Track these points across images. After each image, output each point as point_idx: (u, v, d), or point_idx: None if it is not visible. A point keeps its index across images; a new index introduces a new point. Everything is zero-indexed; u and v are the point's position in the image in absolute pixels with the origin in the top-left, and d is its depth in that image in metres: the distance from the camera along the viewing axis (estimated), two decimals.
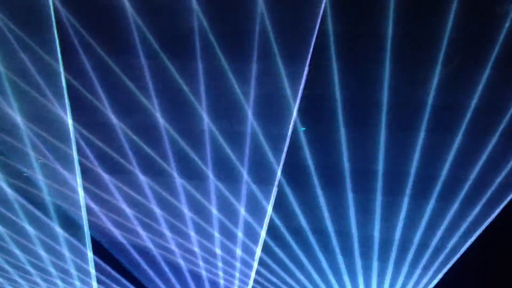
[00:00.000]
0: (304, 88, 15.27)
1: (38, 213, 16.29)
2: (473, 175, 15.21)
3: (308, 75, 15.04)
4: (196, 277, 17.82)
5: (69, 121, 15.81)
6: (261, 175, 15.93)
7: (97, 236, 17.02)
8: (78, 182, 16.18)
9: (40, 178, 15.99)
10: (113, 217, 16.69)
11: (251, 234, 17.21)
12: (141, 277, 17.87)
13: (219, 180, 15.54)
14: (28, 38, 14.96)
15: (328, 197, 17.21)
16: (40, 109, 15.53)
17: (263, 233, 17.09)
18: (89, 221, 16.88)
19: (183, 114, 15.51)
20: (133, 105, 16.03)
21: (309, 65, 14.67)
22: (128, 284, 18.12)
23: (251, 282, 17.16)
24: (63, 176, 16.16)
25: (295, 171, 15.85)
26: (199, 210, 16.97)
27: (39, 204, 16.39)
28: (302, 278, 17.17)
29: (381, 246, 16.58)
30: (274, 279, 17.25)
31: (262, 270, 17.44)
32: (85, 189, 16.31)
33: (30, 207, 16.42)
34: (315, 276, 17.36)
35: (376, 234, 16.45)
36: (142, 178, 16.49)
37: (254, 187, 15.97)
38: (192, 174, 16.45)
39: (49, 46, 14.56)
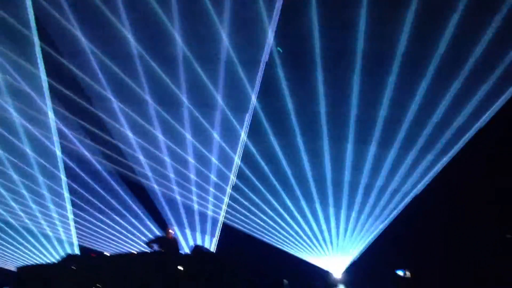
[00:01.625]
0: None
1: (11, 138, 16.01)
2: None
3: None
4: (171, 201, 18.12)
5: (36, 40, 15.12)
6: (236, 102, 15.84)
7: (69, 160, 16.96)
8: (48, 105, 15.83)
9: (10, 101, 15.55)
10: (85, 141, 16.55)
11: (226, 160, 17.39)
12: (116, 200, 18.06)
13: None
14: None
15: (300, 123, 17.34)
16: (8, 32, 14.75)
17: (237, 159, 17.29)
18: (62, 145, 16.71)
19: (159, 40, 15.01)
20: (109, 33, 15.38)
21: None
22: (103, 207, 18.32)
23: (224, 207, 17.58)
24: (33, 99, 15.76)
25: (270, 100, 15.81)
26: (174, 136, 16.96)
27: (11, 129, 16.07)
28: (274, 202, 17.65)
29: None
30: (246, 203, 17.70)
31: (236, 195, 17.83)
32: (56, 113, 16.00)
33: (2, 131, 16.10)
34: (287, 201, 17.87)
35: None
36: (117, 104, 16.23)
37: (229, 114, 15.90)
38: (167, 100, 16.27)
39: None
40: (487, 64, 14.28)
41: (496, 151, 14.82)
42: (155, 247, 13.63)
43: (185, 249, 16.67)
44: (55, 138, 15.86)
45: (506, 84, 14.37)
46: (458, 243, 14.53)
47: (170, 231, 13.33)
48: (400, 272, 14.44)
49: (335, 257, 17.50)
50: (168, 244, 13.35)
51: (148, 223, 17.63)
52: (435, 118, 15.34)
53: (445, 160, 15.77)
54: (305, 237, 17.70)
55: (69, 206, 17.14)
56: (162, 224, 16.25)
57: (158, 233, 15.34)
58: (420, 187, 16.26)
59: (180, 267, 13.17)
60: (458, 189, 15.27)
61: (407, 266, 14.37)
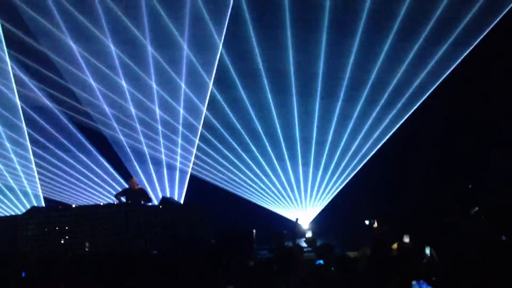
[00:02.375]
0: None
1: None
2: None
3: None
4: (138, 153, 17.85)
5: None
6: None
7: (30, 109, 16.39)
8: (3, 50, 15.10)
9: None
10: (46, 89, 15.96)
11: (194, 110, 17.15)
12: (82, 152, 17.71)
13: None
14: None
15: (270, 76, 17.23)
16: None
17: (205, 110, 17.06)
18: (20, 93, 16.08)
19: None
20: None
21: None
22: (68, 159, 17.95)
23: (192, 158, 17.46)
24: None
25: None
26: (140, 85, 16.53)
27: None
28: (244, 154, 17.65)
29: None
30: (215, 155, 17.66)
31: (204, 147, 17.73)
32: (13, 59, 15.30)
33: None
34: (257, 155, 17.91)
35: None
36: (79, 50, 15.58)
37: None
38: (132, 46, 15.72)
39: None
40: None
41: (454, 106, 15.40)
42: (123, 199, 13.49)
43: (154, 200, 16.62)
44: (14, 86, 15.23)
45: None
46: (420, 191, 15.09)
47: (133, 181, 13.19)
48: (367, 222, 14.75)
49: (302, 210, 17.81)
50: (135, 194, 13.22)
51: (116, 175, 17.42)
52: (398, 76, 15.83)
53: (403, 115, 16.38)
54: (274, 190, 17.89)
55: (32, 157, 16.70)
56: (125, 176, 16.03)
57: (125, 185, 15.14)
58: (380, 145, 16.85)
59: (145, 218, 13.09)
60: (417, 140, 15.89)
61: (373, 215, 14.71)
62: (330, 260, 7.91)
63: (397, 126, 16.52)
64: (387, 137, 16.69)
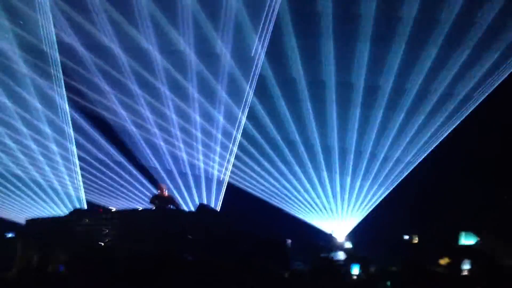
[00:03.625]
0: None
1: (20, 91, 16.04)
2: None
3: None
4: (176, 159, 18.13)
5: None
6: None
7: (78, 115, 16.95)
8: (56, 57, 15.72)
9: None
10: (93, 96, 16.49)
11: (232, 119, 17.28)
12: (124, 157, 18.13)
13: None
14: None
15: (308, 87, 17.18)
16: None
17: (243, 119, 17.14)
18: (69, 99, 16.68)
19: None
20: None
21: None
22: (112, 164, 18.41)
23: (229, 166, 17.55)
24: (42, 50, 15.66)
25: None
26: (180, 94, 16.81)
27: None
28: (282, 165, 17.62)
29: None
30: (252, 164, 17.73)
31: (241, 155, 17.82)
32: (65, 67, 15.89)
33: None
34: (295, 166, 17.84)
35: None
36: (123, 59, 16.06)
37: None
38: (174, 55, 16.04)
39: None
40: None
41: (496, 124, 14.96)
42: (156, 204, 13.81)
43: (191, 207, 16.85)
44: (63, 92, 15.90)
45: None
46: (460, 209, 14.64)
47: (162, 187, 13.46)
48: (406, 237, 14.50)
49: (339, 221, 17.56)
50: (164, 201, 13.48)
51: (152, 181, 17.76)
52: (440, 88, 15.52)
53: (446, 129, 15.98)
54: (310, 201, 17.76)
55: (77, 162, 17.30)
56: (155, 182, 16.38)
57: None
58: (423, 155, 16.41)
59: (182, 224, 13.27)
60: (459, 157, 15.49)
61: (412, 231, 14.42)
62: (371, 273, 7.89)
63: (442, 137, 16.03)
64: (430, 149, 16.23)
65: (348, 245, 16.36)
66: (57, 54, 15.27)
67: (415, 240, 14.81)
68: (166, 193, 13.66)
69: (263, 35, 14.53)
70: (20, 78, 15.78)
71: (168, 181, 16.28)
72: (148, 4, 14.10)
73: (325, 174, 17.33)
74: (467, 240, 13.28)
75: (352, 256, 14.48)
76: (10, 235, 15.54)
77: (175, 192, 16.08)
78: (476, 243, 12.98)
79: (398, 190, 16.87)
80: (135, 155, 17.58)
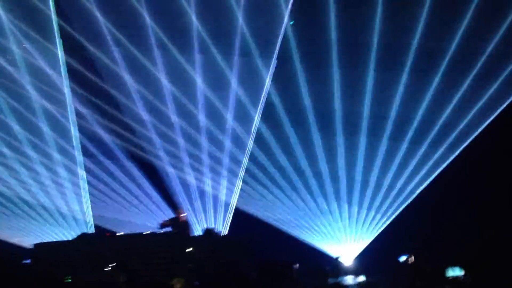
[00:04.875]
0: None
1: (29, 116, 16.29)
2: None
3: None
4: (185, 184, 18.22)
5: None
6: None
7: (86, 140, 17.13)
8: (64, 82, 16.04)
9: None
10: (101, 121, 16.68)
11: (239, 144, 17.41)
12: (131, 181, 18.24)
13: None
14: None
15: (315, 115, 17.37)
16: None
17: (250, 144, 17.26)
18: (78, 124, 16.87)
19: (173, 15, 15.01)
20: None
21: None
22: (119, 188, 18.50)
23: (237, 190, 17.59)
24: (49, 75, 15.95)
25: None
26: (189, 119, 16.98)
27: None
28: (289, 192, 17.68)
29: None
30: (259, 187, 17.77)
31: (249, 179, 17.88)
32: (73, 91, 16.19)
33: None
34: (302, 192, 17.87)
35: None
36: (132, 85, 16.29)
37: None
38: (182, 83, 16.26)
39: None
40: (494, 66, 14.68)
41: (498, 152, 15.11)
42: (168, 228, 13.80)
43: (198, 231, 16.86)
44: (72, 116, 16.16)
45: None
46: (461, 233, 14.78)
47: (180, 212, 13.48)
48: (402, 258, 14.53)
49: (345, 246, 17.52)
50: (179, 225, 13.50)
51: (163, 204, 17.83)
52: (442, 117, 15.72)
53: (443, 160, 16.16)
54: (317, 226, 17.75)
55: (85, 185, 17.45)
56: (174, 206, 16.45)
57: (171, 214, 15.50)
58: (425, 183, 16.55)
59: (190, 248, 13.30)
60: (458, 188, 15.64)
61: (410, 252, 14.49)
62: None
63: (441, 167, 16.26)
64: (431, 178, 16.45)
65: (362, 278, 16.31)
66: (67, 80, 15.58)
67: (411, 260, 14.85)
68: (183, 218, 13.68)
69: (269, 62, 14.79)
70: (30, 104, 16.08)
71: (178, 206, 16.37)
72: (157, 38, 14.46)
73: (334, 202, 17.46)
74: (453, 273, 13.76)
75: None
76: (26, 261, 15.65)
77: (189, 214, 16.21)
78: (461, 276, 13.43)
79: (401, 217, 17.04)
80: (143, 180, 17.71)
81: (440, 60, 14.97)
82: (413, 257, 14.27)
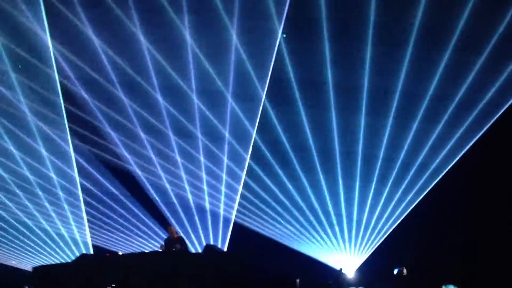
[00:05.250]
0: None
1: (25, 137, 16.24)
2: None
3: None
4: (182, 200, 18.17)
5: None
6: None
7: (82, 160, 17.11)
8: (60, 103, 16.03)
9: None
10: (97, 140, 16.67)
11: (237, 159, 17.43)
12: (128, 199, 18.18)
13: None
14: None
15: (313, 128, 17.36)
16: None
17: (248, 158, 17.29)
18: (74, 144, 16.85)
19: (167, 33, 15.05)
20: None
21: None
22: (116, 206, 18.45)
23: (235, 206, 17.58)
24: (46, 97, 15.95)
25: None
26: (185, 135, 17.02)
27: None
28: (286, 201, 17.65)
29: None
30: (258, 202, 17.74)
31: (247, 194, 17.87)
32: (69, 113, 16.18)
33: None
34: (299, 201, 17.86)
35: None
36: (125, 101, 16.29)
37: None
38: (176, 97, 16.28)
39: None
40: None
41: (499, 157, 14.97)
42: (166, 247, 13.67)
43: (198, 248, 16.75)
44: (68, 137, 16.07)
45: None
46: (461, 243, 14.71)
47: (172, 229, 13.30)
48: (395, 270, 14.39)
49: (347, 257, 17.46)
50: (174, 244, 13.37)
51: (159, 222, 17.77)
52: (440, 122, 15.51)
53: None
54: (317, 237, 17.69)
55: (83, 206, 17.33)
56: (164, 224, 16.31)
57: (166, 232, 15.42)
58: (426, 191, 16.46)
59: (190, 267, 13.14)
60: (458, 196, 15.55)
61: (405, 264, 14.38)
62: None
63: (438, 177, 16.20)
64: (431, 186, 16.35)
65: None
66: (61, 100, 15.51)
67: (404, 272, 14.72)
68: (176, 235, 13.51)
69: (264, 72, 14.78)
70: (25, 124, 15.99)
71: (174, 223, 16.26)
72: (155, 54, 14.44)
73: (331, 210, 17.35)
74: None
75: None
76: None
77: (182, 232, 16.06)
78: None
79: (405, 225, 16.94)
80: (140, 198, 17.63)
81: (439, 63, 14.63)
82: (405, 269, 14.11)
